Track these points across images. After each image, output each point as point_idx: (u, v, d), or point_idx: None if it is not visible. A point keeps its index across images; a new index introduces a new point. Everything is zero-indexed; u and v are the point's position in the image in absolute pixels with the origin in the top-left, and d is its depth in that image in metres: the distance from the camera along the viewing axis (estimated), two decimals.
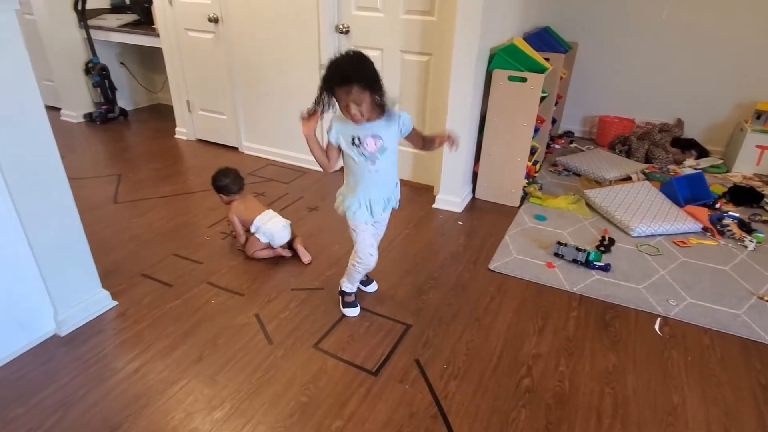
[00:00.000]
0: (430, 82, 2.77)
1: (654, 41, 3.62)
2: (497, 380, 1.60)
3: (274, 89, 3.22)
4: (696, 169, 3.38)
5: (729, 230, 2.55)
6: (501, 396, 1.55)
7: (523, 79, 2.55)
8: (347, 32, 2.87)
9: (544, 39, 3.30)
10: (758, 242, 2.46)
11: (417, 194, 2.96)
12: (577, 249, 2.25)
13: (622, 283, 2.12)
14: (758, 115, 3.39)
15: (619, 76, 3.82)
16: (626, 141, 3.63)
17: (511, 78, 2.57)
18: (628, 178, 3.19)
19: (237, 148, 3.59)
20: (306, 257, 2.21)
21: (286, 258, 2.25)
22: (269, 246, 2.21)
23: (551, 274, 2.17)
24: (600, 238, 2.45)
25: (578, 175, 3.26)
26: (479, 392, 1.56)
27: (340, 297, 1.92)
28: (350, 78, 1.40)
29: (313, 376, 1.60)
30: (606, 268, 2.20)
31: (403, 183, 2.96)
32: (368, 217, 1.67)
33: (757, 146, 3.32)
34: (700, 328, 1.88)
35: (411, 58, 2.78)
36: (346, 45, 2.90)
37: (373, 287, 2.04)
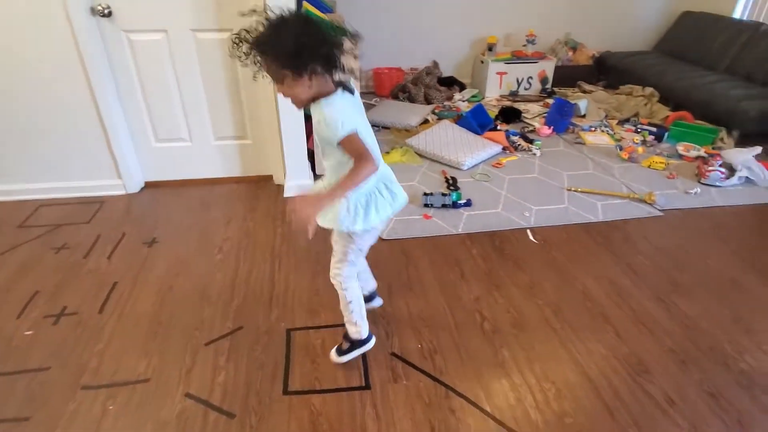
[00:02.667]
0: (239, 62, 2.43)
1: None
2: (466, 336, 1.69)
3: (19, 105, 2.32)
4: (462, 101, 3.99)
5: (519, 145, 3.16)
6: (479, 348, 1.64)
7: None
8: (110, 14, 2.24)
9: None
10: (538, 148, 3.13)
11: (259, 188, 2.67)
12: (443, 194, 2.45)
13: (486, 212, 2.44)
14: (490, 47, 4.17)
15: (381, 30, 4.09)
16: (405, 88, 3.99)
17: None
18: (426, 121, 3.55)
19: None
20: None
21: (167, 307, 1.78)
22: None
23: (433, 224, 2.32)
24: (444, 180, 2.72)
25: (387, 128, 3.46)
26: (462, 355, 1.62)
27: (349, 346, 1.56)
28: (259, 45, 1.09)
29: (310, 423, 1.38)
30: (469, 204, 2.47)
31: (236, 180, 2.66)
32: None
33: (497, 73, 4.11)
34: (553, 226, 2.34)
35: (207, 37, 2.37)
36: (110, 30, 2.28)
37: (378, 301, 1.76)
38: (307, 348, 1.63)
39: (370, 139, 1.23)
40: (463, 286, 1.93)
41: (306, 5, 2.55)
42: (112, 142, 2.46)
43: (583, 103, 3.66)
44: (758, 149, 2.82)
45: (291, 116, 2.40)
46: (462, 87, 4.22)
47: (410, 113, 3.54)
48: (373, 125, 3.19)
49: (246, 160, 2.71)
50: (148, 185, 2.66)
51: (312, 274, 1.99)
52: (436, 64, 4.27)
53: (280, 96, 2.18)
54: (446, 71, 4.31)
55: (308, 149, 2.74)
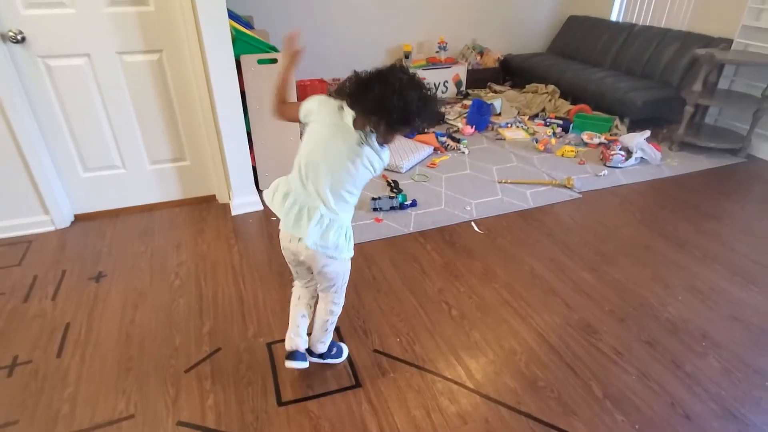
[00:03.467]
0: (171, 83, 2.38)
1: (318, 3, 4.06)
2: (439, 325, 1.82)
3: None
4: None
5: (448, 144, 3.38)
6: (452, 334, 1.78)
7: (274, 60, 2.53)
8: (23, 39, 2.09)
9: (230, 15, 3.24)
10: (466, 146, 3.38)
11: (203, 210, 2.61)
12: (389, 197, 2.58)
13: (432, 209, 2.60)
14: (406, 55, 4.39)
15: (300, 42, 4.13)
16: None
17: (260, 61, 2.50)
18: None
19: None
20: None
21: (134, 341, 1.71)
22: None
23: (385, 227, 2.44)
24: (387, 184, 2.85)
25: None
26: (439, 342, 1.75)
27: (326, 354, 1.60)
28: (412, 120, 1.16)
29: (312, 428, 1.42)
30: (415, 204, 2.62)
31: (176, 204, 2.59)
32: None
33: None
34: (492, 216, 2.56)
35: (135, 59, 2.30)
36: (24, 57, 2.13)
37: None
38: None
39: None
40: (426, 280, 2.06)
41: (232, 23, 2.55)
42: (35, 176, 2.28)
43: (497, 103, 3.99)
44: (647, 132, 3.28)
45: (233, 135, 2.39)
46: None
47: None
48: None
49: (186, 182, 2.63)
50: (79, 218, 2.49)
51: (279, 286, 2.01)
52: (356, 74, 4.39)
53: (224, 117, 2.21)
54: None
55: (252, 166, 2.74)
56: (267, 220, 2.51)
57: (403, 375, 1.61)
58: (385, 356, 1.68)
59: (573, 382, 1.59)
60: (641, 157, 3.20)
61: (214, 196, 2.70)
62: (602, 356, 1.69)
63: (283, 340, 1.73)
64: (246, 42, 2.48)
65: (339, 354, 1.64)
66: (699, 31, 3.74)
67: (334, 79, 4.34)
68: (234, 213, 2.56)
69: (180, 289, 2.00)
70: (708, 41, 3.59)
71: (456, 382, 1.58)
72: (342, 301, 1.53)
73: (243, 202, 2.56)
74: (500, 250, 2.28)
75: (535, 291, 2.01)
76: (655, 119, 3.67)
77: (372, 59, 4.46)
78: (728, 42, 3.46)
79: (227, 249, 2.27)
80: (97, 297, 1.95)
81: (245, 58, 2.45)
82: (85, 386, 1.56)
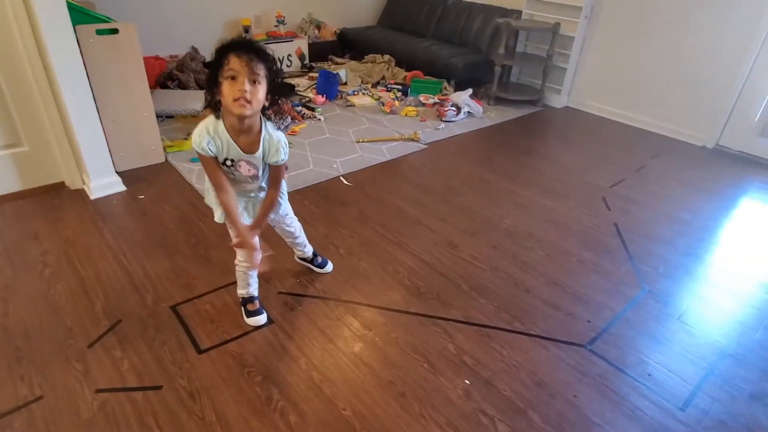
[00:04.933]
0: None
1: None
2: (331, 262, 2.05)
3: None
4: None
5: (304, 113, 3.56)
6: (344, 267, 2.03)
7: (115, 31, 2.40)
8: None
9: None
10: (321, 114, 3.60)
11: (54, 198, 2.39)
12: None
13: (302, 171, 2.78)
14: (246, 29, 4.37)
15: (135, 18, 3.80)
16: (171, 76, 3.90)
17: (99, 32, 2.36)
18: None
19: None
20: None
21: (15, 332, 1.60)
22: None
23: None
24: None
25: (171, 117, 3.39)
26: (335, 276, 1.98)
27: (242, 308, 1.75)
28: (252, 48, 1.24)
29: (237, 364, 1.55)
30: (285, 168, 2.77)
31: (17, 195, 2.36)
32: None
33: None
34: (357, 170, 2.84)
35: None
36: None
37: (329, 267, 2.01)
38: (200, 315, 1.74)
39: None
40: (310, 229, 2.26)
41: None
42: None
43: (342, 73, 4.26)
44: (470, 91, 3.88)
45: (82, 113, 2.24)
46: None
47: (190, 99, 3.53)
48: (158, 115, 3.16)
49: (26, 171, 2.37)
50: None
51: (167, 256, 2.02)
52: (195, 50, 4.25)
53: (68, 93, 2.10)
54: (207, 56, 4.33)
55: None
56: (134, 198, 2.42)
57: (308, 307, 1.81)
58: (289, 295, 1.86)
59: (446, 284, 1.97)
60: (468, 112, 3.78)
61: (63, 183, 2.48)
62: (463, 262, 2.10)
63: (185, 302, 1.79)
64: (80, 12, 2.31)
65: (325, 263, 1.98)
66: (497, 4, 4.47)
67: (171, 56, 4.14)
68: (94, 197, 2.40)
69: (53, 276, 1.88)
70: (505, 12, 4.32)
71: (355, 302, 1.84)
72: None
73: (102, 184, 2.42)
74: (369, 196, 2.58)
75: (404, 223, 2.36)
76: (474, 80, 4.32)
77: (211, 35, 4.35)
78: (519, 13, 4.23)
79: (96, 231, 2.16)
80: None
81: (82, 29, 2.28)
82: None
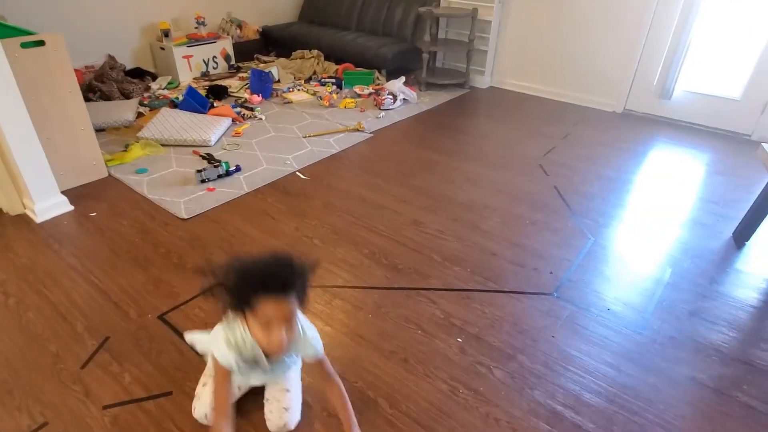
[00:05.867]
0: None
1: None
2: (308, 253, 2.11)
3: None
4: (162, 89, 3.99)
5: (244, 114, 3.53)
6: (321, 256, 2.10)
7: (41, 43, 2.27)
8: None
9: None
10: (260, 112, 3.58)
11: None
12: (214, 166, 2.66)
13: (257, 170, 2.79)
14: (165, 33, 4.21)
15: (46, 28, 3.55)
16: (92, 87, 3.68)
17: (24, 45, 2.22)
18: (140, 115, 3.46)
19: None
20: None
21: None
22: None
23: (221, 193, 2.54)
24: (202, 158, 2.88)
25: (102, 130, 3.22)
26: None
27: None
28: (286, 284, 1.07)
29: None
30: (239, 169, 2.76)
31: None
32: None
33: (183, 57, 4.22)
34: (310, 164, 2.90)
35: None
36: None
37: None
38: (191, 320, 1.74)
39: None
40: (281, 225, 2.30)
41: None
42: None
43: (275, 70, 4.24)
44: (403, 78, 4.03)
45: (19, 131, 2.11)
46: (153, 77, 4.16)
47: (119, 110, 3.37)
48: None
49: None
50: None
51: (139, 268, 1.97)
52: (113, 58, 4.03)
53: (3, 113, 1.99)
54: (125, 63, 4.13)
55: None
56: (85, 217, 2.32)
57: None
58: None
59: (420, 258, 2.10)
60: (404, 99, 3.94)
61: (0, 210, 2.31)
62: (431, 236, 2.25)
63: (172, 310, 1.78)
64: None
65: None
66: None
67: (87, 67, 3.90)
68: (40, 220, 2.26)
69: (20, 305, 1.78)
70: (425, 0, 4.51)
71: (340, 286, 1.92)
72: None
73: (47, 205, 2.29)
74: (329, 187, 2.65)
75: (368, 209, 2.46)
76: (403, 68, 4.49)
77: (127, 41, 4.15)
78: (438, 1, 4.44)
79: (53, 255, 2.06)
80: None
81: (5, 43, 2.13)
82: None
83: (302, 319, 1.24)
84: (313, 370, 1.28)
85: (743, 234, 2.26)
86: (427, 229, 2.31)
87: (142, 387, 1.48)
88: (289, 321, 1.11)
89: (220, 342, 1.19)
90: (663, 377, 1.56)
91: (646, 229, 2.36)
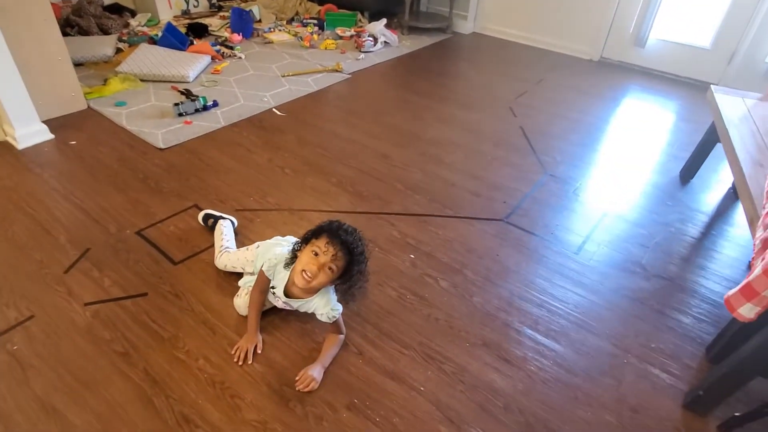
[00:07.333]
0: None
1: None
2: (280, 182, 2.23)
3: None
4: (141, 26, 3.96)
5: (224, 52, 3.55)
6: (291, 184, 2.23)
7: None
8: None
9: None
10: (240, 51, 3.60)
11: None
12: (192, 100, 2.73)
13: (234, 106, 2.87)
14: None
15: None
16: (70, 22, 3.66)
17: None
18: (119, 50, 3.47)
19: None
20: None
21: None
22: None
23: (197, 127, 2.62)
24: (180, 93, 2.94)
25: (80, 64, 3.25)
26: (284, 191, 2.17)
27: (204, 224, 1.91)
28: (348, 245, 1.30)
29: (213, 268, 1.74)
30: (216, 104, 2.84)
31: None
32: None
33: None
34: (287, 102, 2.98)
35: None
36: None
37: None
38: (166, 236, 1.88)
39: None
40: (254, 156, 2.41)
41: None
42: None
43: (256, 9, 4.21)
44: (384, 20, 4.03)
45: None
46: (132, 13, 4.12)
47: (97, 45, 3.37)
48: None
49: None
50: None
51: (118, 191, 2.09)
52: None
53: None
54: None
55: None
56: (66, 145, 2.41)
57: (266, 218, 2.01)
58: (246, 211, 2.04)
59: (384, 187, 2.24)
60: (385, 41, 3.96)
61: None
62: (396, 168, 2.38)
63: (149, 227, 1.92)
64: None
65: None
66: None
67: (64, 1, 3.85)
68: (22, 147, 2.35)
69: (5, 220, 1.91)
70: None
71: (307, 210, 2.07)
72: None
73: (28, 132, 2.37)
74: (304, 123, 2.75)
75: (340, 143, 2.57)
76: (386, 11, 4.47)
77: None
78: None
79: (36, 178, 2.17)
80: None
81: None
82: None
83: (333, 296, 1.43)
84: (324, 324, 1.48)
85: (688, 172, 2.41)
86: (393, 162, 2.44)
87: (120, 289, 1.64)
88: (330, 269, 1.30)
89: (272, 256, 1.44)
90: (589, 289, 1.75)
91: (601, 167, 2.50)
